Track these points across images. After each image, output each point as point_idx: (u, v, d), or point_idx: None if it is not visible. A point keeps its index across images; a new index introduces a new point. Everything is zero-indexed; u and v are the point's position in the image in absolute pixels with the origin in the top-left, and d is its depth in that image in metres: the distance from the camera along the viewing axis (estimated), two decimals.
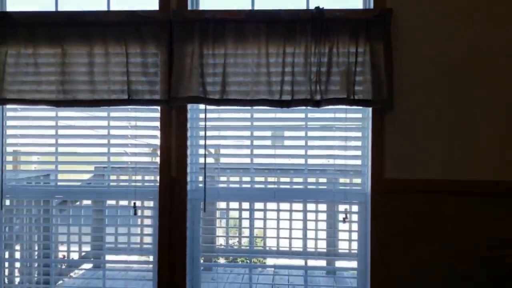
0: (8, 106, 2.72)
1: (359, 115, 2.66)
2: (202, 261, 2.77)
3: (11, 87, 2.53)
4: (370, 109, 2.58)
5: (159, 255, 2.60)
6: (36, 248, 3.95)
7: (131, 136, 2.66)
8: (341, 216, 2.62)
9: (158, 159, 2.61)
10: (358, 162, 2.68)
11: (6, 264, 2.90)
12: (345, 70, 2.43)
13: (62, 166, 2.80)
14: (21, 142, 2.75)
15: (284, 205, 2.86)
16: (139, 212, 2.69)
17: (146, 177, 2.70)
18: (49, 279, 3.10)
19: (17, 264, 3.12)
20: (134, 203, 2.64)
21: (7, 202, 2.96)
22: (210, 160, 2.85)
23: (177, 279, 2.60)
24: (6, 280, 2.93)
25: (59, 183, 2.78)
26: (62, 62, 2.52)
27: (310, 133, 2.68)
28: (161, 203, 2.60)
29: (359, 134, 2.66)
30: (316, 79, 2.42)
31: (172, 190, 2.60)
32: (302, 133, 2.66)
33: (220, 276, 5.53)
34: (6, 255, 2.88)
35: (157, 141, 2.61)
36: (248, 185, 2.75)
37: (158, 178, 2.62)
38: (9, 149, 2.76)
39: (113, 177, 2.74)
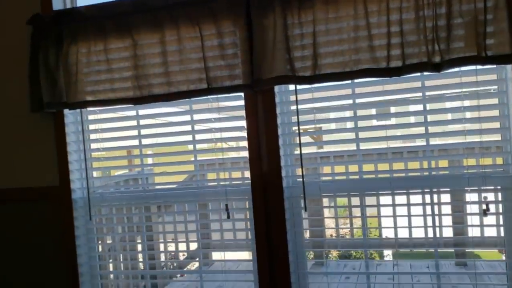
0: (89, 109, 2.55)
1: (494, 76, 2.07)
2: (311, 261, 2.39)
3: (87, 88, 2.35)
4: (508, 67, 1.98)
5: (259, 270, 2.26)
6: (140, 257, 3.89)
7: (215, 129, 2.33)
8: (477, 207, 2.06)
9: (247, 154, 2.26)
10: (497, 136, 2.09)
11: (111, 276, 2.76)
12: (471, 20, 1.86)
13: (149, 169, 2.59)
14: (104, 146, 2.57)
15: (402, 198, 2.36)
16: (232, 215, 2.36)
17: (235, 174, 2.37)
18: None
19: (112, 276, 3.00)
20: (226, 205, 2.32)
21: (102, 211, 2.84)
22: (308, 150, 2.44)
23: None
24: None
25: (149, 187, 2.57)
26: (134, 55, 2.27)
27: (430, 106, 2.14)
28: (255, 205, 2.25)
29: (495, 101, 2.07)
30: (433, 36, 1.89)
31: (265, 188, 2.24)
32: (419, 107, 2.13)
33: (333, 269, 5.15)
34: (111, 267, 2.76)
35: (244, 133, 2.26)
36: (356, 176, 2.29)
37: (249, 175, 2.27)
38: (94, 154, 2.60)
39: (201, 177, 2.46)
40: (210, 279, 2.99)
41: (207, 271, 2.76)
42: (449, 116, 2.12)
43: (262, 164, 2.24)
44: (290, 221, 2.28)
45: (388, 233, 5.59)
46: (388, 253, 5.87)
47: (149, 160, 2.68)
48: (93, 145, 2.59)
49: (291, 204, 2.28)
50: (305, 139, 2.29)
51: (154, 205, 2.63)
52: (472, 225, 2.27)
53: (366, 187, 2.23)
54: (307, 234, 5.63)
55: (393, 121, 2.05)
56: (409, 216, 3.79)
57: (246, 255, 2.38)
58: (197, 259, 6.22)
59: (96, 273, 2.60)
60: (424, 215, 2.55)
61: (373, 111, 2.34)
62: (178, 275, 5.07)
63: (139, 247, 3.07)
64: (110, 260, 3.15)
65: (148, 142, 2.53)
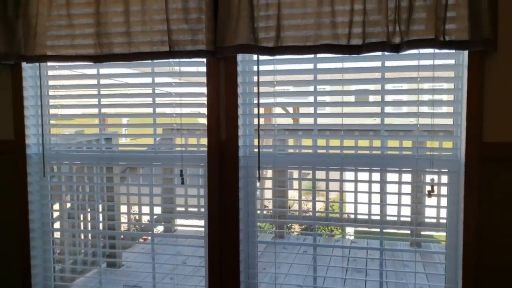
0: (49, 64, 2.49)
1: (452, 61, 2.11)
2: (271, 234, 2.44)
3: (45, 42, 2.29)
4: (465, 53, 2.02)
5: (209, 236, 2.30)
6: (94, 218, 3.87)
7: (175, 94, 2.32)
8: (426, 188, 2.13)
9: (205, 121, 2.27)
10: (449, 121, 2.15)
11: (57, 235, 2.76)
12: (433, 4, 1.88)
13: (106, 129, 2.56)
14: (63, 103, 2.52)
15: (350, 175, 2.41)
16: (186, 181, 2.38)
17: (192, 141, 2.38)
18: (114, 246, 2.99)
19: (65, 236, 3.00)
20: (181, 171, 2.33)
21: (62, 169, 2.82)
22: (266, 121, 2.46)
23: (229, 255, 2.29)
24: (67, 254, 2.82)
25: (105, 148, 2.56)
26: (96, 12, 2.22)
27: (388, 86, 2.18)
28: (209, 171, 2.27)
29: (451, 85, 2.12)
30: (394, 16, 1.91)
31: (222, 156, 2.25)
32: (377, 86, 2.16)
33: (292, 247, 5.26)
34: (63, 226, 2.75)
35: (204, 99, 2.26)
36: (310, 150, 2.33)
37: (206, 142, 2.28)
38: (52, 111, 2.56)
39: (161, 141, 2.45)
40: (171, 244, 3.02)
41: (159, 235, 2.78)
42: (404, 98, 2.16)
43: (220, 132, 2.25)
44: (244, 190, 2.31)
45: (339, 209, 5.75)
46: (349, 231, 6.05)
47: (109, 121, 2.64)
48: (52, 101, 2.55)
49: (245, 173, 2.31)
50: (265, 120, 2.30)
51: (114, 167, 2.62)
52: (413, 205, 2.35)
53: (319, 162, 2.28)
54: (270, 205, 5.73)
55: (351, 99, 2.10)
56: (356, 192, 3.90)
57: (201, 222, 2.41)
58: (161, 223, 6.30)
59: (48, 230, 2.59)
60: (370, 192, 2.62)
61: (333, 87, 2.38)
62: (141, 239, 5.11)
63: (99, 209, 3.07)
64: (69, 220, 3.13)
65: (107, 102, 2.50)
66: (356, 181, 2.42)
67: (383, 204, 2.28)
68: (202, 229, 2.38)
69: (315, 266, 2.39)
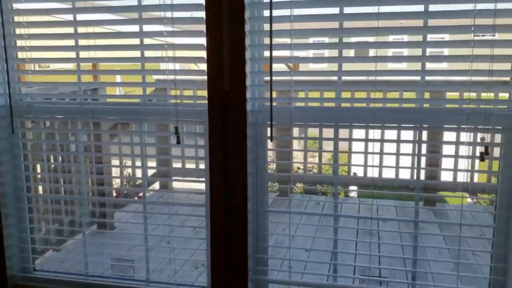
0: None
1: None
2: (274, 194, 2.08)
3: None
4: None
5: (211, 204, 1.93)
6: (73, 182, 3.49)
7: (167, 33, 1.88)
8: (477, 150, 1.74)
9: (205, 67, 1.84)
10: (507, 65, 1.73)
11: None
12: None
13: (85, 78, 2.14)
14: (33, 44, 2.08)
15: (389, 134, 2.02)
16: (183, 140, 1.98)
17: (189, 92, 1.96)
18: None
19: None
20: (176, 128, 1.93)
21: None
22: (280, 68, 2.04)
23: (235, 230, 1.93)
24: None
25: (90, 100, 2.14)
26: None
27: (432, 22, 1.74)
28: (211, 128, 1.87)
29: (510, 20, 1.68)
30: None
31: (225, 110, 1.85)
32: (418, 37, 1.72)
33: (297, 204, 4.95)
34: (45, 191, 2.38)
35: (203, 40, 1.82)
36: (333, 104, 1.92)
37: (206, 93, 1.87)
38: (20, 54, 2.12)
39: (150, 91, 2.03)
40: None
41: (151, 202, 2.42)
42: (454, 52, 1.72)
43: (223, 81, 1.83)
44: (253, 151, 1.92)
45: (358, 170, 5.41)
46: (353, 189, 5.71)
47: (89, 78, 2.21)
48: (19, 42, 2.10)
49: (254, 131, 1.91)
50: (278, 67, 1.88)
51: (102, 123, 2.22)
52: (461, 170, 1.98)
53: (344, 117, 1.87)
54: (271, 166, 5.38)
55: (387, 52, 1.75)
56: (381, 153, 3.50)
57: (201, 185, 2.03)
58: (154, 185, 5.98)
59: (23, 196, 2.22)
60: (410, 154, 2.24)
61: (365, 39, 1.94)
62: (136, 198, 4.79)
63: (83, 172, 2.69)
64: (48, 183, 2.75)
65: (86, 56, 2.06)
66: (392, 140, 2.03)
67: (429, 168, 1.89)
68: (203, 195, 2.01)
69: (335, 239, 2.04)
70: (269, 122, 1.82)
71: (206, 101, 1.86)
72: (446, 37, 1.83)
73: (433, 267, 2.97)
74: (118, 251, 2.37)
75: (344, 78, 1.85)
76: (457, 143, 1.93)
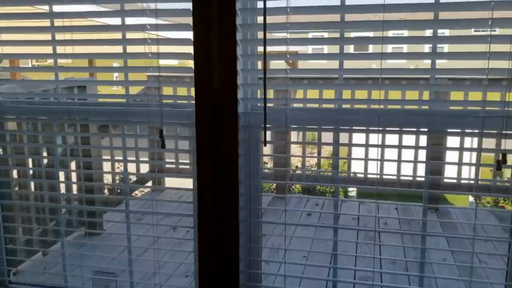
0: None
1: None
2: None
3: None
4: None
5: (200, 218, 1.75)
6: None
7: (150, 26, 1.70)
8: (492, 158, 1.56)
9: (192, 64, 1.66)
10: None
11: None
12: None
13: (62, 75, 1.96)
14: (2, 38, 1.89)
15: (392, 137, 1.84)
16: (168, 145, 1.80)
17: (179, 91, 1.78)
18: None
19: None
20: (161, 131, 1.75)
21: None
22: (277, 65, 1.85)
23: (225, 245, 1.75)
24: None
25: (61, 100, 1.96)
26: None
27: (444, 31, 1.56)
28: (199, 131, 1.69)
29: None
30: None
31: (215, 112, 1.67)
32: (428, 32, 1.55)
33: (295, 204, 4.76)
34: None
35: (190, 35, 1.64)
36: (332, 105, 1.74)
37: (193, 93, 1.69)
38: None
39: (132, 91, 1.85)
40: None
41: (134, 211, 2.24)
42: (467, 48, 1.55)
43: (212, 80, 1.65)
44: (245, 157, 1.74)
45: (357, 169, 5.24)
46: (353, 190, 5.55)
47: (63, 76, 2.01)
48: None
49: (247, 135, 1.73)
50: (274, 64, 1.71)
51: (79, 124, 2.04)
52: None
53: (345, 120, 1.69)
54: (269, 164, 5.21)
55: (389, 48, 1.59)
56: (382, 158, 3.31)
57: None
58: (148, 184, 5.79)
59: None
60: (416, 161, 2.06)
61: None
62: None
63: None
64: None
65: (62, 51, 1.87)
66: (395, 146, 1.85)
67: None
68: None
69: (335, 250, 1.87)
70: (263, 125, 1.64)
71: (194, 101, 1.68)
72: (459, 31, 1.65)
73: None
74: (100, 263, 2.19)
75: (346, 76, 1.68)
76: (473, 149, 1.74)
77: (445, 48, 1.82)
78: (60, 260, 2.10)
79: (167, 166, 4.90)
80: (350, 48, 1.77)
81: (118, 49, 1.77)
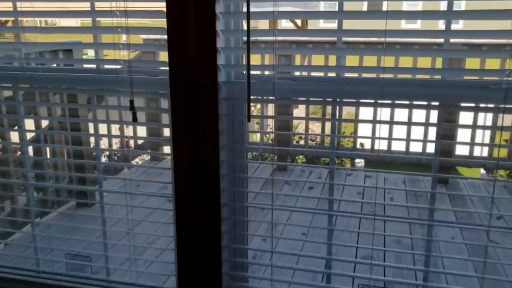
0: None
1: None
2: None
3: None
4: None
5: (177, 202, 1.54)
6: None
7: None
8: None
9: (164, 24, 1.42)
10: None
11: None
12: None
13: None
14: None
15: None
16: (140, 117, 1.58)
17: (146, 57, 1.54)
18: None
19: None
20: (131, 102, 1.52)
21: None
22: (261, 25, 1.61)
23: (207, 237, 1.56)
24: None
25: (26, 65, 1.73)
26: None
27: None
28: (173, 103, 1.46)
29: None
30: None
31: (191, 81, 1.43)
32: None
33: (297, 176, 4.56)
34: None
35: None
36: (333, 74, 1.49)
37: (166, 59, 1.45)
38: None
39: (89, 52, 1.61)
40: None
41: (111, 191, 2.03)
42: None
43: (188, 43, 1.40)
44: (227, 134, 1.52)
45: (364, 142, 5.00)
46: (360, 161, 5.31)
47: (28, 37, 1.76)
48: None
49: (230, 108, 1.51)
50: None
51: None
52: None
53: (344, 91, 1.45)
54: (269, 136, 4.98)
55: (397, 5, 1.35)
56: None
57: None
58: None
59: None
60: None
61: None
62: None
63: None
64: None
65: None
66: (403, 123, 1.61)
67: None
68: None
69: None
70: (246, 97, 1.41)
71: (168, 68, 1.45)
72: None
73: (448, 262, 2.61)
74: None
75: (345, 39, 1.43)
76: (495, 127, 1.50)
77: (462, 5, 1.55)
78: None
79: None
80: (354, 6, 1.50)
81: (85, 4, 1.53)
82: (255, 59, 3.37)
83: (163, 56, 1.51)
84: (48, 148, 3.50)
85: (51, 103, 2.93)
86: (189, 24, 1.37)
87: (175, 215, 1.56)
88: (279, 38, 1.37)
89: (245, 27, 1.43)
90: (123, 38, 1.50)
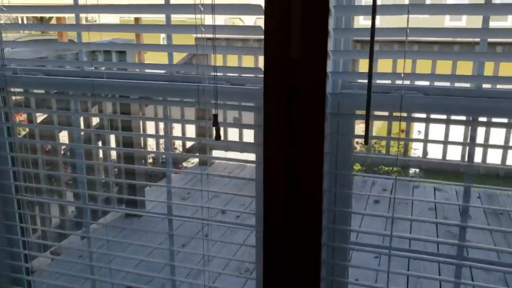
0: None
1: None
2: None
3: None
4: None
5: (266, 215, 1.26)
6: None
7: None
8: None
9: (261, 22, 1.14)
10: None
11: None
12: None
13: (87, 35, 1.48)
14: None
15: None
16: (224, 134, 1.30)
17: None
18: None
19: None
20: (215, 116, 1.25)
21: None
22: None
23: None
24: None
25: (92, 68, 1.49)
26: None
27: None
28: (268, 121, 1.18)
29: None
30: None
31: (291, 92, 1.14)
32: None
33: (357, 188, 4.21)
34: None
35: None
36: (467, 84, 1.17)
37: (261, 64, 1.16)
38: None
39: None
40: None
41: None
42: None
43: (290, 44, 1.12)
44: (331, 159, 1.22)
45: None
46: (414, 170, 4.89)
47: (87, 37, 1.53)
48: None
49: (334, 127, 1.21)
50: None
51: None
52: None
53: (491, 108, 1.12)
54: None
55: None
56: None
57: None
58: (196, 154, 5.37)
59: (11, 198, 1.64)
60: None
61: None
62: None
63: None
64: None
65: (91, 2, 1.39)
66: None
67: None
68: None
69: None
70: (359, 112, 1.12)
71: (262, 76, 1.17)
72: None
73: None
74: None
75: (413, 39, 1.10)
76: None
77: None
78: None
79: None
80: None
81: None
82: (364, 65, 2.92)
83: (247, 60, 1.23)
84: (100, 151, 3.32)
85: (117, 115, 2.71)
86: (293, 21, 1.09)
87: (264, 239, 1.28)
88: (410, 38, 1.06)
89: (356, 25, 1.14)
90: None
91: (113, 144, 3.58)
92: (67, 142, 3.03)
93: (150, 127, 4.95)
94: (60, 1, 1.58)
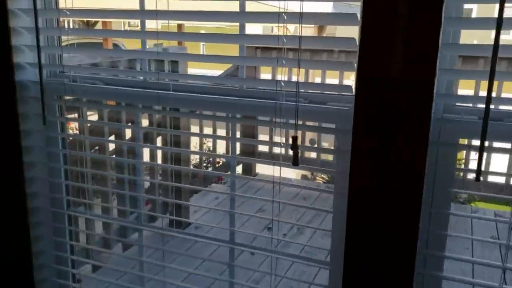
0: None
1: None
2: None
3: None
4: None
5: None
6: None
7: None
8: None
9: (355, 32, 0.99)
10: None
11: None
12: None
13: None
14: None
15: None
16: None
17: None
18: None
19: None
20: (294, 139, 1.09)
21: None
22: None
23: None
24: None
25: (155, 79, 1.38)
26: None
27: None
28: (356, 147, 1.02)
29: None
30: None
31: (388, 116, 0.98)
32: None
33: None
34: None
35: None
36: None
37: (353, 83, 1.01)
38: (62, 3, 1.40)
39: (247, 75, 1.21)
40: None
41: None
42: None
43: (391, 61, 0.96)
44: (428, 193, 1.05)
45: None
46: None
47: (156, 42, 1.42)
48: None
49: (434, 157, 1.04)
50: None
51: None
52: None
53: None
54: None
55: None
56: None
57: None
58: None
59: (62, 213, 1.54)
60: None
61: None
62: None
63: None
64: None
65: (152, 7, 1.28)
66: None
67: None
68: None
69: None
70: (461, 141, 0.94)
71: (353, 95, 1.01)
72: None
73: None
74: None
75: None
76: None
77: None
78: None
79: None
80: None
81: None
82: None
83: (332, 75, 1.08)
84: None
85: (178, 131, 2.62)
86: (396, 33, 0.93)
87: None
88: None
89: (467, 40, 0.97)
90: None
91: (160, 156, 3.50)
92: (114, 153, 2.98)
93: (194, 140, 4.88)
94: (125, 5, 1.48)
